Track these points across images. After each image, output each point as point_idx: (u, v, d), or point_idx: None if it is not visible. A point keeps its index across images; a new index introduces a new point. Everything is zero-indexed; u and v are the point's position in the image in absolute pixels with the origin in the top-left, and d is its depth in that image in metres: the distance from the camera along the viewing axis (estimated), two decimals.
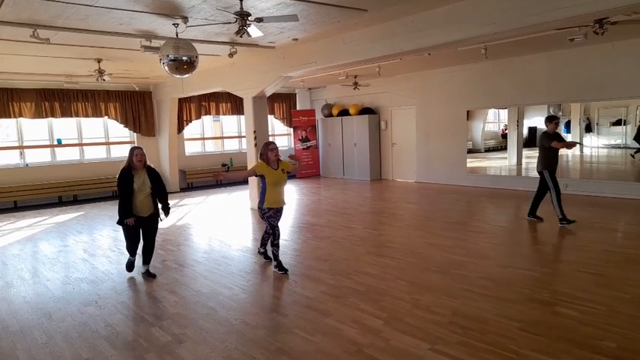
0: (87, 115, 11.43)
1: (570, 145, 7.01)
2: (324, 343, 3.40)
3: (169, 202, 5.20)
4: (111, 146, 12.26)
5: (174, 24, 5.87)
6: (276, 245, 5.10)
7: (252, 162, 9.35)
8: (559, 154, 6.82)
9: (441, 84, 11.33)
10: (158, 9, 5.33)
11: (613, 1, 4.32)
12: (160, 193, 5.05)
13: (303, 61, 7.82)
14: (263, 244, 5.59)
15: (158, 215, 5.11)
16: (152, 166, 5.06)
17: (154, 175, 5.00)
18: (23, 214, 9.79)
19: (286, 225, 7.92)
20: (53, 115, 10.91)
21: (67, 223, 8.71)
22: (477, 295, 4.18)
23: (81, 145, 11.74)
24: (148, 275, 5.19)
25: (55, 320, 4.07)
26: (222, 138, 14.24)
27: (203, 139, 13.84)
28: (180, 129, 12.84)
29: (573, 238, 6.00)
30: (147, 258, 5.21)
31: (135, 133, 12.41)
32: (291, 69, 8.16)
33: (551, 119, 6.73)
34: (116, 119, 11.96)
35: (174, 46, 5.85)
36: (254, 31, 5.35)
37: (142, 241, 5.16)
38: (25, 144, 10.95)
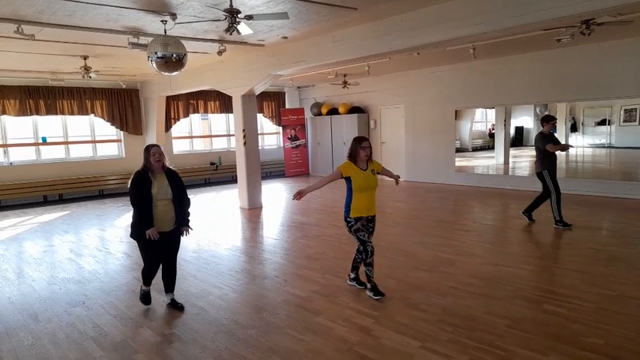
0: (72, 113, 11.27)
1: (565, 148, 6.85)
2: (315, 342, 3.39)
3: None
4: (97, 145, 12.09)
5: (162, 21, 5.81)
6: (369, 264, 4.21)
7: (241, 160, 9.31)
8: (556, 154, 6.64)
9: (429, 83, 11.39)
10: (146, 5, 5.26)
11: (599, 3, 4.38)
12: (180, 200, 4.09)
13: (293, 59, 7.80)
14: (354, 268, 4.54)
15: (185, 230, 4.16)
16: (172, 168, 4.16)
17: (175, 179, 4.09)
18: (7, 214, 9.62)
19: (276, 224, 7.90)
20: (38, 113, 10.73)
21: (52, 222, 8.57)
22: (466, 293, 4.21)
23: (66, 143, 11.56)
24: (175, 307, 4.18)
25: (41, 321, 4.00)
26: (210, 137, 14.14)
27: (191, 137, 13.73)
28: (168, 127, 12.73)
29: (560, 237, 6.08)
30: (170, 284, 4.25)
31: (122, 132, 12.26)
32: (280, 67, 8.13)
33: (547, 119, 6.53)
34: (102, 117, 11.80)
35: (162, 43, 5.79)
36: (244, 28, 5.31)
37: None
38: (8, 142, 10.75)
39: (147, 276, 4.16)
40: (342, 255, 5.63)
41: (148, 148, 4.02)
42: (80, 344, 3.53)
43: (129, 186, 3.96)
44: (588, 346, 3.15)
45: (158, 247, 4.01)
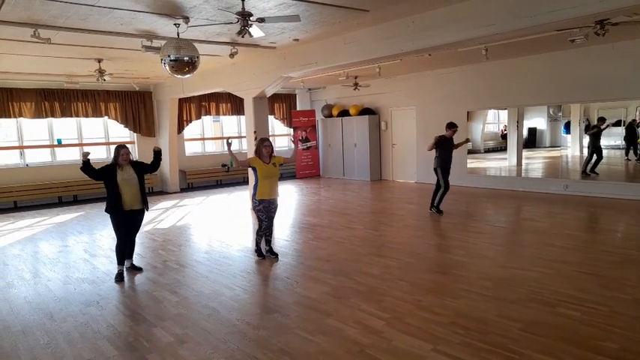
0: (87, 115, 11.43)
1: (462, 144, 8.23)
2: (326, 344, 3.40)
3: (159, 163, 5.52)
4: (111, 146, 12.23)
5: (175, 24, 5.87)
6: (261, 236, 5.69)
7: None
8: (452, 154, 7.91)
9: (441, 85, 11.34)
10: (159, 9, 5.33)
11: (614, 3, 4.34)
12: (152, 167, 5.41)
13: (304, 61, 7.83)
14: (267, 242, 5.79)
15: (145, 210, 5.28)
16: (136, 160, 5.39)
17: (139, 165, 5.27)
18: (23, 215, 9.78)
19: (287, 225, 7.92)
20: (53, 115, 10.91)
21: (67, 223, 8.70)
22: (478, 296, 4.18)
23: (81, 145, 11.71)
24: (135, 269, 5.43)
25: (56, 321, 4.07)
26: (222, 138, 14.22)
27: (203, 139, 13.84)
28: (181, 129, 12.84)
29: (573, 239, 6.01)
30: (129, 252, 5.41)
31: (135, 133, 12.40)
32: (291, 69, 8.17)
33: (450, 126, 7.77)
34: (116, 119, 11.96)
35: (175, 46, 5.86)
36: (255, 31, 5.35)
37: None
38: (25, 144, 10.95)
39: (120, 252, 5.16)
40: (354, 257, 5.63)
41: (119, 149, 5.10)
42: (94, 343, 3.58)
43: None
44: (603, 350, 3.11)
45: (128, 223, 5.12)
